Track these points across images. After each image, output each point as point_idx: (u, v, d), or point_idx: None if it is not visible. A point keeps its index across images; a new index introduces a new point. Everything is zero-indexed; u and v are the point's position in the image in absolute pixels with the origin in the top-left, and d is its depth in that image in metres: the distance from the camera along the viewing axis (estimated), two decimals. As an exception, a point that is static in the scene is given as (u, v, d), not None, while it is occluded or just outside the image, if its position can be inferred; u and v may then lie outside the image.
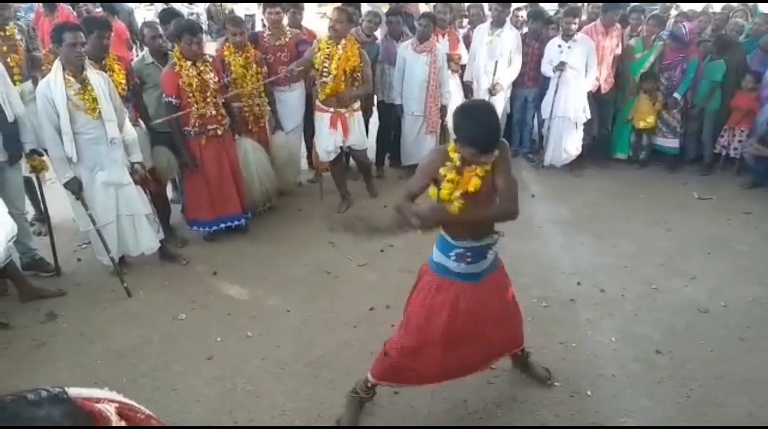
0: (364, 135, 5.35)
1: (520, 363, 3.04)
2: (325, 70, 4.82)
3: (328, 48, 4.80)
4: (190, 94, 4.29)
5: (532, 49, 6.16)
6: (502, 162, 2.34)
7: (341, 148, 5.19)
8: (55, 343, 3.51)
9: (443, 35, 5.89)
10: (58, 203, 4.47)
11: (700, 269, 4.24)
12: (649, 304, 3.81)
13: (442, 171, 2.34)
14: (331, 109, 4.99)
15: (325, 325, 3.64)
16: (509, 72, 6.04)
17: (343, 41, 4.80)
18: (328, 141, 5.08)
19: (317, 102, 5.06)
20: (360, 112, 5.27)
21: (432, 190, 2.41)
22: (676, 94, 5.99)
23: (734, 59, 5.95)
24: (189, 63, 4.27)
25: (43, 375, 3.21)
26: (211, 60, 4.47)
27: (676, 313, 3.70)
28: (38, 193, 4.30)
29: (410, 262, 4.23)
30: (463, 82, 6.16)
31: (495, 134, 2.22)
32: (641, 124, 6.20)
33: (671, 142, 6.28)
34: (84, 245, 4.60)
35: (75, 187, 3.80)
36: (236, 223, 4.77)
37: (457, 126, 2.27)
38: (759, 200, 5.52)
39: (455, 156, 2.32)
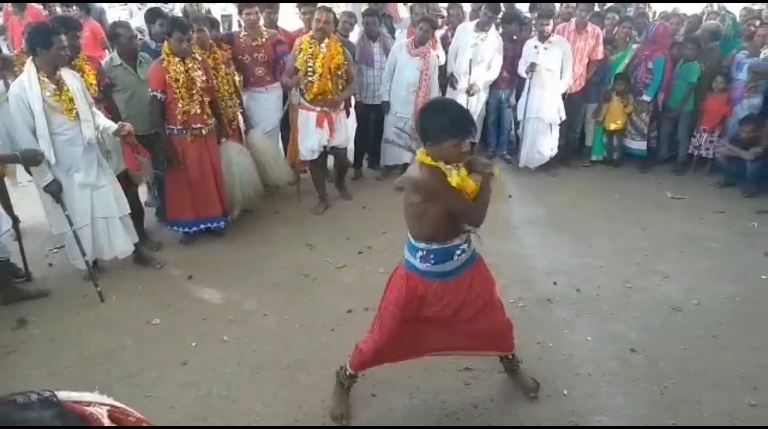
0: (348, 134, 5.37)
1: (508, 369, 3.01)
2: (309, 69, 4.83)
3: (310, 47, 4.81)
4: (176, 90, 4.26)
5: (506, 51, 6.19)
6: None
7: (325, 147, 5.18)
8: (26, 349, 3.43)
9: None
10: (29, 207, 4.38)
11: (674, 268, 4.30)
12: (625, 303, 3.85)
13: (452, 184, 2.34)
14: (318, 109, 4.99)
15: (302, 328, 3.61)
16: (488, 74, 6.05)
17: (326, 40, 4.81)
18: (313, 140, 5.07)
19: (302, 101, 5.03)
20: (344, 112, 5.32)
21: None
22: (645, 97, 6.06)
23: (708, 61, 6.06)
24: (177, 59, 4.26)
25: (14, 383, 3.13)
26: (200, 59, 4.43)
27: (650, 312, 3.74)
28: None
29: (388, 263, 4.20)
30: (441, 83, 6.15)
31: (462, 112, 2.33)
32: (612, 126, 6.28)
33: (639, 145, 6.38)
34: (55, 250, 4.52)
35: (55, 189, 3.71)
36: (215, 225, 4.73)
37: (429, 126, 2.30)
38: (731, 199, 5.62)
39: (443, 165, 2.33)
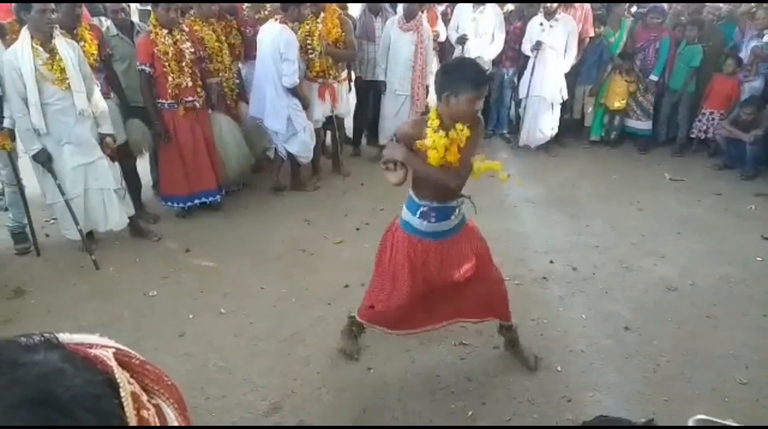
0: (349, 104, 5.43)
1: (509, 342, 3.06)
2: (309, 47, 4.85)
3: (308, 24, 4.81)
4: (166, 63, 4.20)
5: (514, 29, 6.14)
6: (473, 138, 2.45)
7: (329, 118, 5.26)
8: (23, 319, 3.44)
9: (422, 11, 5.83)
10: (26, 177, 4.34)
11: (670, 248, 4.31)
12: (620, 282, 3.86)
13: (426, 141, 2.40)
14: (320, 80, 5.05)
15: (299, 302, 3.62)
16: (491, 49, 6.01)
17: (322, 14, 4.79)
18: (317, 110, 5.14)
19: (306, 73, 5.09)
20: (347, 82, 5.36)
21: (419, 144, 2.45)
22: (652, 76, 6.04)
23: (712, 43, 6.01)
24: (165, 31, 4.19)
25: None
26: (187, 30, 4.37)
27: (645, 291, 3.76)
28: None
29: (385, 239, 4.23)
30: (440, 55, 6.11)
31: (482, 69, 2.40)
32: (616, 105, 6.25)
33: (644, 125, 6.36)
34: (52, 221, 4.50)
35: (44, 158, 3.71)
36: (211, 199, 4.72)
37: (444, 82, 2.36)
38: (729, 182, 5.63)
39: (436, 123, 2.40)
